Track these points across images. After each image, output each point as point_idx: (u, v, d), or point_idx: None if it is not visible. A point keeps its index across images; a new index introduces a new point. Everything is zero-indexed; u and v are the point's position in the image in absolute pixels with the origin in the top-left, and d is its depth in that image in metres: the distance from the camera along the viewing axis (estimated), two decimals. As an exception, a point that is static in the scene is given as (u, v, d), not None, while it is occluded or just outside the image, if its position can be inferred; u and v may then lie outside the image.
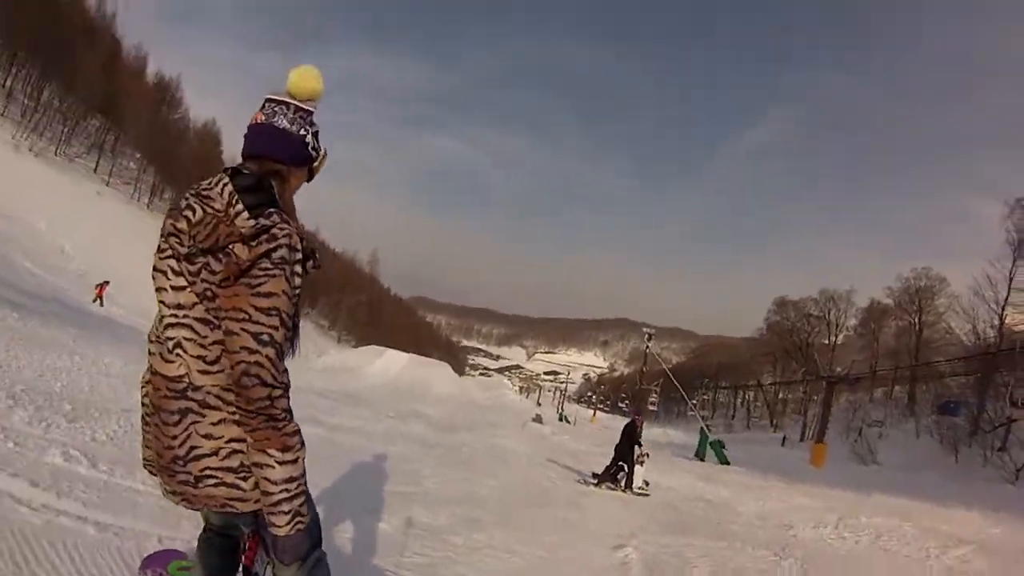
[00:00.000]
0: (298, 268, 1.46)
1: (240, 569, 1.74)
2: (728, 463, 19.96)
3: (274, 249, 1.40)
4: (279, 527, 1.44)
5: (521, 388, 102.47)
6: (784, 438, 51.16)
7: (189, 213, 1.46)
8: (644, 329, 38.75)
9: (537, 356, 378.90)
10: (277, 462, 1.40)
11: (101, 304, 24.61)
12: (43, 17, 46.95)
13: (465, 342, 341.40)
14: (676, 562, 5.33)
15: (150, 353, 1.58)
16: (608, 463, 10.26)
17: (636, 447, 10.36)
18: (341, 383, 26.58)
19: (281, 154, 1.59)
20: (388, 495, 5.81)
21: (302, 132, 1.61)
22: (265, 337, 1.38)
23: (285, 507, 1.43)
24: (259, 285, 1.39)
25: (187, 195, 1.51)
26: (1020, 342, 33.49)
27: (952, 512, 10.26)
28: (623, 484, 9.98)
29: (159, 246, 1.50)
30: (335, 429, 9.72)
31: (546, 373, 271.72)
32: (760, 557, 6.02)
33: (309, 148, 1.64)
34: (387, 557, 3.92)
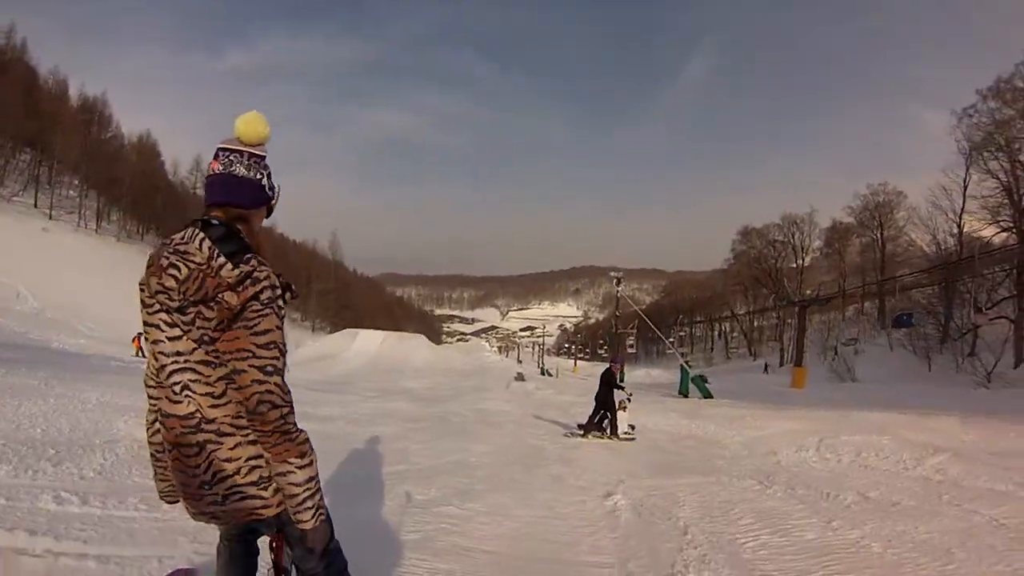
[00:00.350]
0: (280, 302, 1.64)
1: (271, 568, 1.91)
2: (711, 396, 20.29)
3: (260, 291, 1.58)
4: (306, 521, 1.65)
5: (500, 348, 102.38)
6: (766, 365, 52.53)
7: (174, 271, 1.58)
8: (612, 273, 38.29)
9: (511, 314, 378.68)
10: (297, 467, 1.60)
11: (143, 356, 23.77)
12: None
13: (438, 310, 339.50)
14: (664, 503, 5.53)
15: (152, 397, 1.76)
16: (591, 413, 10.55)
17: (618, 392, 10.60)
18: (322, 372, 26.48)
19: (243, 200, 1.74)
20: (381, 477, 5.94)
21: (258, 176, 1.76)
22: (269, 368, 1.57)
23: (309, 503, 1.64)
24: (255, 325, 1.57)
25: (165, 253, 1.62)
26: (978, 248, 34.41)
27: (929, 421, 10.61)
28: (608, 431, 10.28)
29: (144, 301, 1.64)
30: (325, 420, 9.82)
31: (522, 330, 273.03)
32: (746, 487, 6.28)
33: (267, 190, 1.80)
34: (383, 537, 4.07)
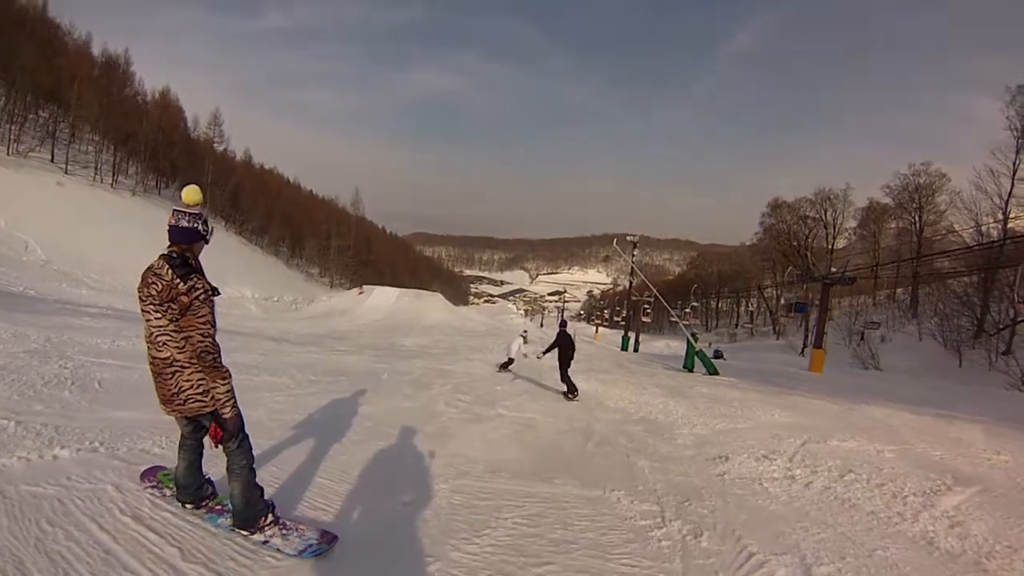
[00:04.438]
0: (212, 299, 3.13)
1: (211, 447, 3.31)
2: (716, 372, 18.59)
3: (199, 295, 3.05)
4: (227, 412, 3.15)
5: (526, 311, 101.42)
6: (804, 347, 49.65)
7: (156, 286, 3.06)
8: (628, 237, 36.21)
9: (540, 278, 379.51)
10: (221, 384, 3.12)
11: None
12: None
13: (467, 271, 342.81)
14: (461, 525, 3.95)
15: (148, 347, 3.21)
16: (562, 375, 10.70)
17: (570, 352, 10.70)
18: (323, 326, 25.85)
19: (187, 240, 3.19)
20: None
21: (195, 226, 3.19)
22: (206, 333, 3.08)
23: (228, 403, 3.15)
24: (197, 312, 3.05)
25: (150, 275, 3.10)
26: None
27: (952, 428, 8.58)
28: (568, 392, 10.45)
29: (140, 298, 3.14)
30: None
31: (551, 294, 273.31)
32: (628, 519, 4.35)
33: (200, 232, 3.23)
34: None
